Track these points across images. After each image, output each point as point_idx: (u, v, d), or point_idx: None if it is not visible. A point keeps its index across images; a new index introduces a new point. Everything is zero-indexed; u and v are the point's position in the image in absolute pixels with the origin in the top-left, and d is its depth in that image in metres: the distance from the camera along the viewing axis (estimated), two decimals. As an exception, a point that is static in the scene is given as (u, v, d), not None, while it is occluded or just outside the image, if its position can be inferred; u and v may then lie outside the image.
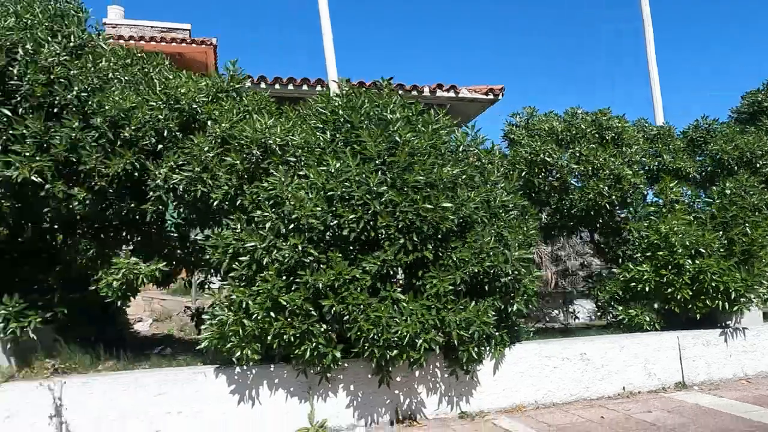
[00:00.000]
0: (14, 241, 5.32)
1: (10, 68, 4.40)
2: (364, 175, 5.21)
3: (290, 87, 11.29)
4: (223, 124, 5.22)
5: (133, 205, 5.04)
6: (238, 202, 5.19)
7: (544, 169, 7.00)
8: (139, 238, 5.62)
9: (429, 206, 5.18)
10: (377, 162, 5.42)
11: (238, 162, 5.11)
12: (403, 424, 5.58)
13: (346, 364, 5.39)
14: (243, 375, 5.26)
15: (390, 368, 5.45)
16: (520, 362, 6.12)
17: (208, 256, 5.20)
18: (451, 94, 13.29)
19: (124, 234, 5.60)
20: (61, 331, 5.44)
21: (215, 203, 5.09)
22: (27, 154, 4.35)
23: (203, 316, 5.58)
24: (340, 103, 5.89)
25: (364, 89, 6.19)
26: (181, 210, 5.20)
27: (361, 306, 5.02)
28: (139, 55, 5.69)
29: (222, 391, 5.20)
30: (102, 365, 5.35)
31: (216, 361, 5.37)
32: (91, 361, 5.31)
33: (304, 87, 11.23)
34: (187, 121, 5.21)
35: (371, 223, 5.13)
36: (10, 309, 4.82)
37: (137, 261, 4.99)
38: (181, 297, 11.17)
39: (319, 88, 10.42)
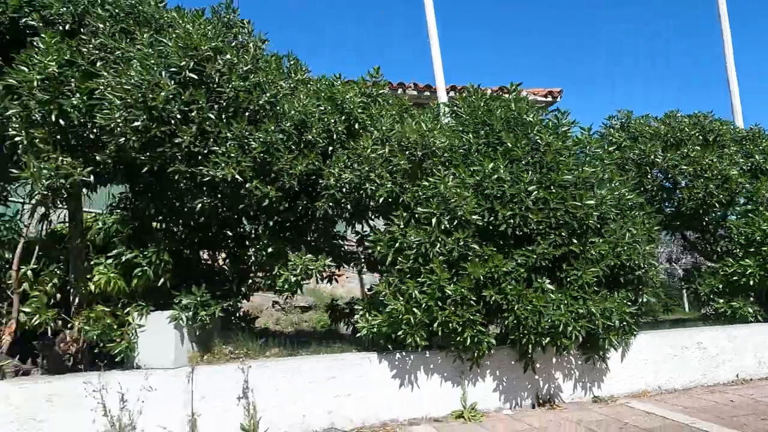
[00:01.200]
0: (200, 234, 5.71)
1: (212, 75, 4.78)
2: (515, 175, 5.59)
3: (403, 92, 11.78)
4: (383, 127, 5.61)
5: (305, 202, 5.43)
6: (400, 200, 5.57)
7: (650, 170, 7.40)
8: (315, 235, 6.00)
9: (577, 203, 5.57)
10: (523, 162, 5.80)
11: (402, 162, 5.49)
12: (543, 408, 5.96)
13: (492, 351, 5.76)
14: (403, 361, 5.65)
15: (533, 355, 5.85)
16: (643, 350, 6.50)
17: (370, 250, 5.59)
18: (512, 96, 13.64)
19: (292, 231, 5.98)
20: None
21: (380, 200, 5.47)
22: (232, 155, 4.74)
23: (356, 307, 5.99)
24: (478, 106, 6.27)
25: (494, 94, 6.58)
26: (348, 207, 5.57)
27: (518, 296, 5.40)
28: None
29: (384, 376, 5.59)
30: (269, 351, 5.74)
31: (370, 348, 5.74)
32: (260, 347, 5.69)
33: (414, 92, 11.75)
34: (351, 125, 5.60)
35: (523, 219, 5.51)
36: (198, 299, 5.21)
37: (312, 257, 5.38)
38: (263, 293, 11.55)
39: (427, 93, 10.90)
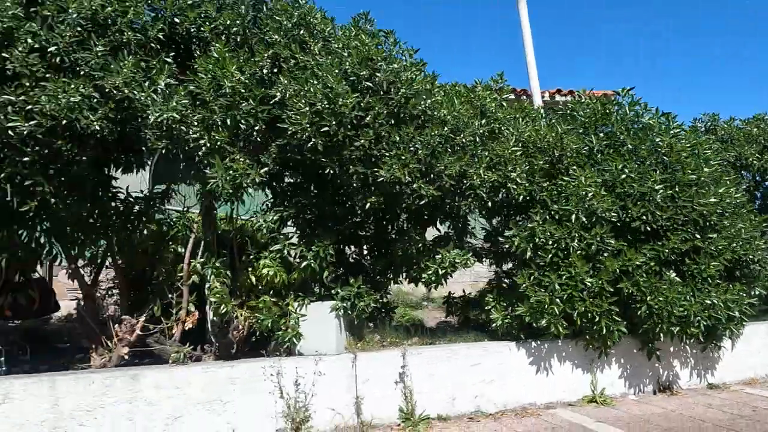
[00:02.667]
0: (350, 230, 6.10)
1: (382, 83, 5.17)
2: (641, 174, 5.96)
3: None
4: (519, 130, 5.99)
5: (453, 201, 5.81)
6: (537, 198, 5.95)
7: (744, 171, 7.78)
8: (457, 231, 6.39)
9: (703, 201, 5.94)
10: (647, 163, 6.17)
11: (541, 162, 5.87)
12: (664, 394, 6.32)
13: (620, 340, 6.12)
14: (538, 349, 6.03)
15: (656, 343, 6.21)
16: (752, 340, 6.86)
17: (507, 245, 5.97)
18: (569, 98, 14.02)
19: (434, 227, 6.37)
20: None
21: (520, 198, 5.84)
22: (402, 157, 5.12)
23: (486, 299, 6.34)
24: (596, 109, 6.65)
25: (606, 97, 6.96)
26: (489, 205, 5.94)
27: (651, 288, 5.77)
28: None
29: (522, 363, 5.97)
30: (410, 340, 6.11)
31: (501, 337, 6.10)
32: (403, 336, 6.08)
33: (512, 96, 12.10)
34: (492, 128, 5.98)
35: (652, 215, 5.88)
36: (355, 290, 5.59)
37: (459, 252, 5.76)
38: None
39: (523, 97, 11.26)
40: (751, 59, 39.94)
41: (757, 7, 38.56)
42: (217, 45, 5.22)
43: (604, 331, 5.73)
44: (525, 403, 5.92)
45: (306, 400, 5.21)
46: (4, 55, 4.17)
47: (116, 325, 5.26)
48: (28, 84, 4.18)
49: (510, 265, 6.76)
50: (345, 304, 5.56)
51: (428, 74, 5.58)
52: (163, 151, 5.30)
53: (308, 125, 4.87)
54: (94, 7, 4.49)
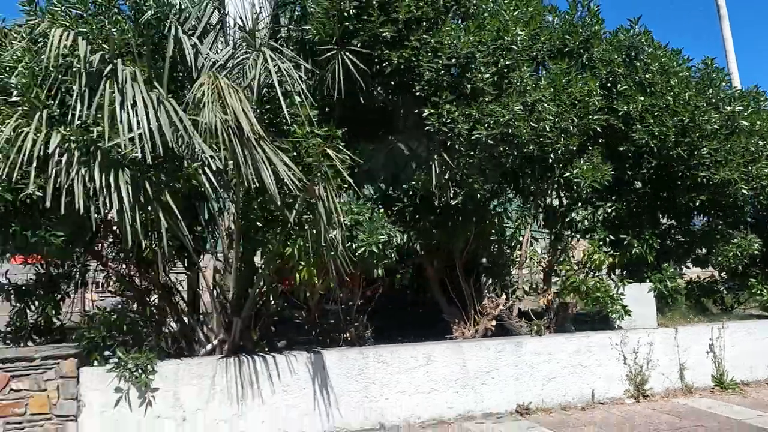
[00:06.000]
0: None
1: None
2: None
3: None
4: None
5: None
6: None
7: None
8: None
9: None
10: None
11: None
12: None
13: None
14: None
15: None
16: None
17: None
18: None
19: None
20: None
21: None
22: (735, 163, 6.01)
23: (751, 280, 7.21)
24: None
25: None
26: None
27: None
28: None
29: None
30: (691, 318, 7.04)
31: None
32: (700, 312, 7.01)
33: None
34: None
35: None
36: (669, 273, 6.52)
37: (754, 237, 6.65)
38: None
39: None
40: None
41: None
42: (558, 64, 6.12)
43: None
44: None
45: (644, 366, 6.17)
46: (467, 76, 5.09)
47: (484, 301, 6.23)
48: (486, 100, 5.11)
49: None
50: (663, 285, 6.48)
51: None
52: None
53: (672, 136, 5.77)
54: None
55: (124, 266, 5.66)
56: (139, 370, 4.76)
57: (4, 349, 5.16)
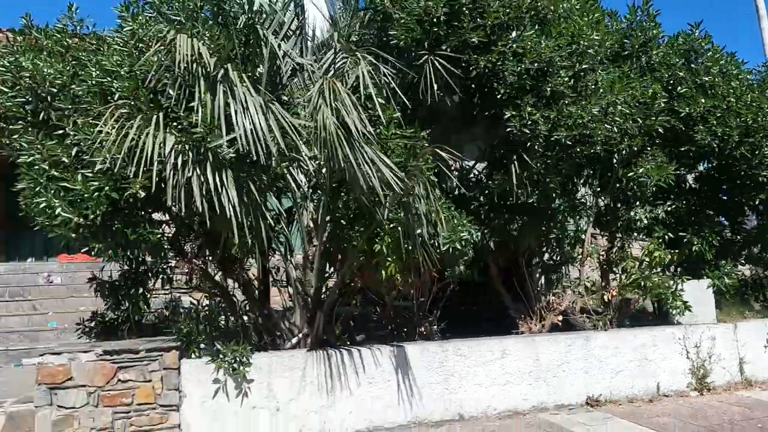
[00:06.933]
0: None
1: None
2: None
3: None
4: None
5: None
6: None
7: None
8: None
9: None
10: None
11: None
12: None
13: None
14: None
15: None
16: None
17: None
18: None
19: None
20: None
21: None
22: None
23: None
24: None
25: None
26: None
27: None
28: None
29: None
30: (745, 314, 7.23)
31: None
32: (745, 308, 7.20)
33: None
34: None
35: None
36: (727, 269, 6.72)
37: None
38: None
39: None
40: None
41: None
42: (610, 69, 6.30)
43: None
44: None
45: (707, 360, 6.36)
46: (547, 79, 5.29)
47: (551, 297, 6.43)
48: (566, 102, 5.30)
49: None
50: (720, 282, 6.67)
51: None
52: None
53: (735, 137, 5.97)
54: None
55: (205, 263, 5.85)
56: (237, 363, 4.96)
57: (108, 342, 5.35)
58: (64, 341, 8.30)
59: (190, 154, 4.40)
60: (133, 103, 4.69)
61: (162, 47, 4.75)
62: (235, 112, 4.44)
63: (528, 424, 5.39)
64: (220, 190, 4.34)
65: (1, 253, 11.24)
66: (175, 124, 4.60)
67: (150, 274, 5.90)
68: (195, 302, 5.46)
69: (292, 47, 5.80)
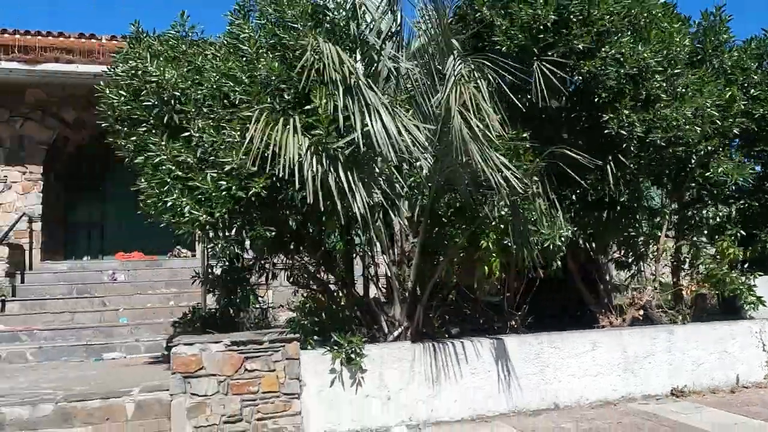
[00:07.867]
0: None
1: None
2: None
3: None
4: None
5: None
6: None
7: None
8: None
9: None
10: None
11: None
12: None
13: None
14: None
15: None
16: None
17: None
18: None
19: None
20: None
21: None
22: None
23: None
24: None
25: None
26: None
27: None
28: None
29: None
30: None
31: None
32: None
33: None
34: None
35: None
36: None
37: None
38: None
39: None
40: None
41: None
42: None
43: None
44: None
45: (781, 353, 6.60)
46: (644, 83, 5.53)
47: (632, 292, 6.67)
48: (662, 105, 5.55)
49: None
50: (793, 277, 6.91)
51: None
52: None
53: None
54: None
55: (309, 261, 6.11)
56: (353, 354, 5.20)
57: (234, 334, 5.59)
58: (138, 337, 8.58)
59: (323, 154, 4.65)
60: (256, 107, 4.95)
61: (289, 52, 5.04)
62: (361, 113, 4.70)
63: (623, 412, 5.62)
64: (354, 189, 4.60)
65: (60, 252, 11.48)
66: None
67: (253, 271, 6.17)
68: (304, 297, 5.72)
69: (388, 52, 6.07)
